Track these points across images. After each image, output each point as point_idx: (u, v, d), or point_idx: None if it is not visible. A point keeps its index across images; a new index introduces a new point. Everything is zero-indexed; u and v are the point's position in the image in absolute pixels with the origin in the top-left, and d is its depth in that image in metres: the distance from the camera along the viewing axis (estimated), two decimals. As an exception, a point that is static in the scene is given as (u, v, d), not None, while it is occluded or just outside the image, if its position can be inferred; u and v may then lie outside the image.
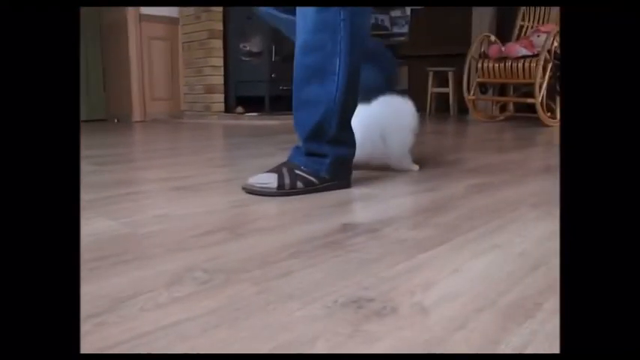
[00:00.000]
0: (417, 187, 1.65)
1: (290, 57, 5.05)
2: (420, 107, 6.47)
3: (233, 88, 5.36)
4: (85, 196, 1.52)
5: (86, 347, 0.63)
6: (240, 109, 5.23)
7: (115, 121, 5.28)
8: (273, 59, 5.19)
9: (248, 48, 5.24)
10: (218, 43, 5.27)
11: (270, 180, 1.53)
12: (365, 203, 1.42)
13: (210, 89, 5.27)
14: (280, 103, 5.38)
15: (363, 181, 1.75)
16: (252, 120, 4.87)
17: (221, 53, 5.31)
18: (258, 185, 1.54)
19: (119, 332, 0.67)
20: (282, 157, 2.41)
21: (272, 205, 1.40)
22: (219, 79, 5.30)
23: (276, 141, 3.16)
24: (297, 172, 1.56)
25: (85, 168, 2.09)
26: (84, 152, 2.65)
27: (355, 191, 1.58)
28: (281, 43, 5.30)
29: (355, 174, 1.78)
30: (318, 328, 0.68)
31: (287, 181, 1.53)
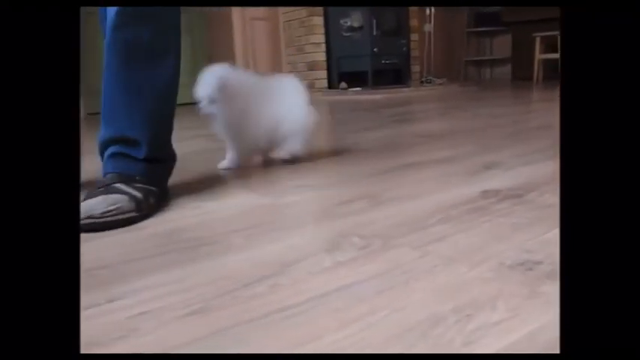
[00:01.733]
0: (544, 155, 1.59)
1: (390, 31, 4.97)
2: (525, 76, 6.23)
3: (335, 64, 5.37)
4: (218, 170, 1.58)
5: (266, 308, 0.66)
6: (343, 84, 5.24)
7: (222, 101, 5.43)
8: (374, 33, 5.15)
9: (349, 23, 5.23)
10: (319, 20, 5.28)
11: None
12: (496, 171, 1.38)
13: (312, 66, 5.31)
14: (383, 77, 5.35)
15: (486, 151, 1.71)
16: (356, 95, 4.87)
17: (322, 30, 5.32)
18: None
19: (294, 293, 0.69)
20: (397, 129, 2.41)
21: (403, 174, 1.40)
22: (321, 56, 5.33)
23: (385, 114, 3.14)
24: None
25: (207, 145, 2.17)
26: (201, 132, 2.73)
27: (482, 160, 1.55)
28: (382, 16, 5.25)
29: (478, 144, 1.75)
30: (493, 289, 0.67)
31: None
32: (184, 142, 2.31)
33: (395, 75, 5.59)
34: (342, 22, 5.26)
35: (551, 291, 0.66)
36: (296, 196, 1.22)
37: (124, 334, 0.62)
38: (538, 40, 5.89)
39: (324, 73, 5.36)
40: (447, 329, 0.58)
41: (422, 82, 5.91)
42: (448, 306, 0.63)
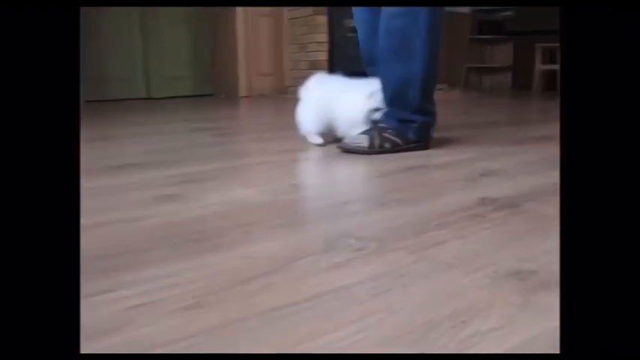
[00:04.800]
0: (544, 165, 1.60)
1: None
2: (525, 85, 6.25)
3: (337, 64, 5.36)
4: (216, 164, 1.58)
5: (262, 306, 0.66)
6: (343, 85, 5.24)
7: (222, 96, 5.42)
8: (377, 35, 5.15)
9: (353, 24, 5.22)
10: (323, 20, 5.28)
11: (362, 140, 1.78)
12: (494, 178, 1.39)
13: (314, 65, 5.30)
14: (383, 80, 5.34)
15: (486, 158, 1.71)
16: (356, 96, 4.87)
17: (326, 29, 5.31)
18: (353, 144, 1.78)
19: (289, 293, 0.70)
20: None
21: (403, 178, 1.40)
22: (323, 55, 5.32)
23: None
24: (385, 134, 1.80)
25: (206, 139, 2.17)
26: (200, 125, 2.73)
27: (481, 167, 1.55)
28: (386, 18, 5.25)
29: (477, 151, 1.76)
30: (488, 297, 0.67)
31: (377, 142, 1.78)
32: (184, 134, 2.31)
33: (396, 78, 5.59)
34: (346, 22, 5.25)
35: (545, 301, 0.66)
36: (295, 194, 1.22)
37: (119, 326, 0.62)
38: (539, 50, 5.91)
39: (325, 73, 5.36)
40: (441, 334, 0.58)
41: (422, 86, 5.91)
42: (444, 312, 0.64)
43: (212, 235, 0.93)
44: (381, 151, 1.76)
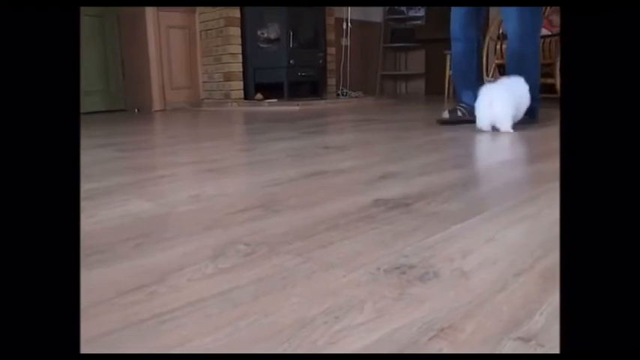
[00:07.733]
0: (443, 165, 1.66)
1: (307, 44, 5.03)
2: (438, 90, 6.44)
3: (251, 75, 5.37)
4: (117, 179, 1.55)
5: (141, 315, 0.66)
6: (259, 95, 5.24)
7: (136, 111, 5.31)
8: (291, 45, 5.20)
9: (266, 35, 5.25)
10: (236, 31, 5.27)
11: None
12: (392, 181, 1.43)
13: (228, 77, 5.29)
14: (299, 89, 5.39)
15: (388, 161, 1.76)
16: (271, 106, 4.89)
17: (239, 40, 5.31)
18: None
19: (170, 301, 0.70)
20: (306, 140, 2.44)
21: (303, 184, 1.42)
22: (237, 67, 5.31)
23: (298, 126, 3.17)
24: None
25: (111, 154, 2.13)
26: (107, 140, 2.68)
27: (381, 170, 1.59)
28: (299, 29, 5.30)
29: (378, 158, 1.80)
30: (364, 292, 0.70)
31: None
32: (88, 150, 2.26)
33: (311, 87, 5.65)
34: (259, 33, 5.27)
35: (419, 292, 0.69)
36: (192, 205, 1.22)
37: None
38: (448, 57, 6.10)
39: (240, 84, 5.35)
40: (313, 331, 0.60)
41: (338, 94, 6.00)
42: (319, 309, 0.65)
43: (100, 250, 0.91)
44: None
